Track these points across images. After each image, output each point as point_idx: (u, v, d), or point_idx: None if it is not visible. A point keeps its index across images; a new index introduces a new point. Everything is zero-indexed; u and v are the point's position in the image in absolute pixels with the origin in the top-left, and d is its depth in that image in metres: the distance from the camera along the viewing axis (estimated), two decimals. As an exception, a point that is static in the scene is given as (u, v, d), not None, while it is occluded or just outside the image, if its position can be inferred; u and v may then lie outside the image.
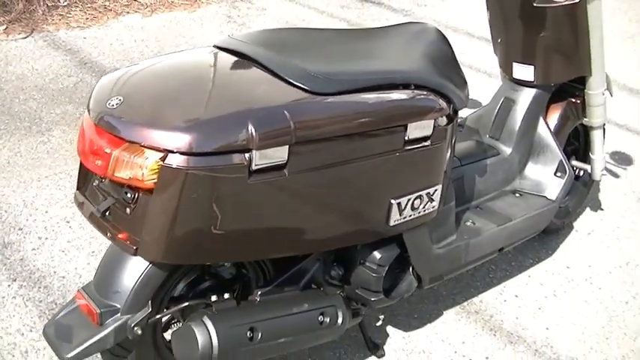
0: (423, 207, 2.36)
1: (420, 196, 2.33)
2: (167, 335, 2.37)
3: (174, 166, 1.86)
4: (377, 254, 2.37)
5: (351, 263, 2.39)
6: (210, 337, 2.03)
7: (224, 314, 2.11)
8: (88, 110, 2.04)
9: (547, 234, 3.39)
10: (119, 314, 2.08)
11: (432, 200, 2.38)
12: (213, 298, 2.15)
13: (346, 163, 2.10)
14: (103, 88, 2.07)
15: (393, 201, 2.26)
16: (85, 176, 2.19)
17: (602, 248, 3.44)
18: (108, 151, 1.93)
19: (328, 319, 2.28)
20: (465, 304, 3.02)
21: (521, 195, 3.00)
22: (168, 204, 1.89)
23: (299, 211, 2.08)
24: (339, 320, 2.30)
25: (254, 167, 1.91)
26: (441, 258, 2.57)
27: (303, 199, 2.07)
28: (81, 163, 2.16)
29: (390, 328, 2.85)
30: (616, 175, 3.97)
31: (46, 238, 3.18)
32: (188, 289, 2.29)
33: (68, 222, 3.30)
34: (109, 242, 2.10)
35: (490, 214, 2.85)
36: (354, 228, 2.24)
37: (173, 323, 2.45)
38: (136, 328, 2.08)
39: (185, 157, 1.86)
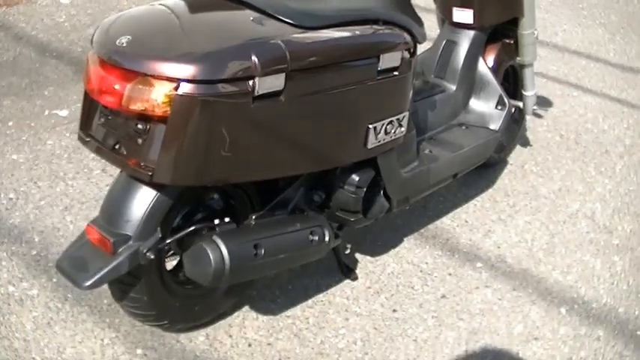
0: (394, 131, 2.64)
1: (391, 122, 2.61)
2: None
3: (186, 94, 2.06)
4: (355, 177, 2.62)
5: (331, 188, 2.64)
6: (222, 253, 2.24)
7: (229, 234, 2.33)
8: (95, 51, 2.21)
9: (486, 168, 3.72)
10: (131, 242, 2.27)
11: (400, 126, 2.66)
12: (216, 221, 2.37)
13: (331, 90, 2.35)
14: (107, 31, 2.24)
15: (370, 125, 2.53)
16: (87, 116, 2.35)
17: (535, 177, 3.81)
18: (119, 87, 2.12)
19: (317, 238, 2.52)
20: (422, 230, 3.32)
21: (467, 127, 3.32)
22: (181, 130, 2.09)
23: (292, 135, 2.32)
24: (326, 238, 2.55)
25: (257, 93, 2.14)
26: (407, 181, 2.85)
27: (296, 123, 2.31)
28: (84, 104, 2.34)
29: (358, 255, 3.11)
30: (539, 116, 4.36)
31: (17, 199, 3.30)
32: (184, 220, 2.49)
33: (36, 182, 3.42)
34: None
35: (443, 144, 3.15)
36: (338, 150, 2.50)
37: (168, 256, 2.65)
38: (148, 253, 2.28)
39: (196, 85, 2.06)
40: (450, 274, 3.06)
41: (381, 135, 2.58)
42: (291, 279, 2.91)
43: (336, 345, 2.65)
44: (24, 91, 4.19)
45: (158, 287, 2.43)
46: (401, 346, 2.67)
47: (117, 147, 2.23)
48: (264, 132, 2.23)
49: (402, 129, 2.67)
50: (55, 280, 2.82)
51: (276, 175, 2.39)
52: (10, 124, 3.87)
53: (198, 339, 2.62)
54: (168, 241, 2.33)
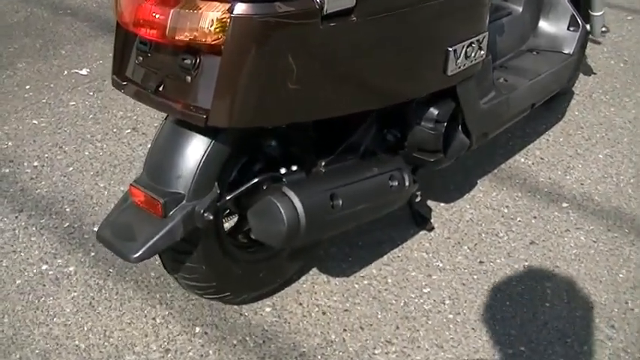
0: (474, 55, 2.19)
1: (471, 44, 2.16)
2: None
3: (243, 16, 1.62)
4: (434, 110, 2.18)
5: (407, 125, 2.20)
6: (295, 207, 1.81)
7: (300, 185, 1.90)
8: None
9: (552, 100, 3.26)
10: (185, 201, 1.84)
11: (480, 48, 2.21)
12: (282, 170, 1.94)
13: (407, 7, 1.91)
14: None
15: (450, 48, 2.08)
16: (122, 58, 1.91)
17: (607, 107, 3.35)
18: (161, 14, 1.68)
19: (396, 183, 2.09)
20: (496, 171, 2.88)
21: (538, 53, 2.86)
22: (240, 60, 1.65)
23: (366, 62, 1.88)
24: (407, 183, 2.12)
25: (326, 11, 1.70)
26: (487, 113, 2.41)
27: (370, 47, 1.86)
28: (117, 42, 1.89)
29: (431, 203, 2.68)
30: (598, 42, 3.88)
31: (43, 166, 2.87)
32: (242, 173, 2.06)
33: (61, 147, 2.99)
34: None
35: (517, 71, 2.70)
36: (416, 79, 2.06)
37: (225, 216, 2.22)
38: (206, 214, 1.85)
39: (255, 5, 1.62)
40: (534, 218, 2.62)
41: (461, 60, 2.13)
42: (361, 234, 2.48)
43: (422, 306, 2.23)
44: (39, 52, 3.74)
45: (217, 253, 2.01)
46: (495, 303, 2.24)
47: (161, 88, 1.80)
48: (335, 59, 1.79)
49: (482, 52, 2.22)
50: (93, 253, 2.41)
51: (348, 111, 1.94)
52: (28, 87, 3.44)
53: (265, 310, 2.20)
54: (228, 197, 1.89)
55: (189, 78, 1.73)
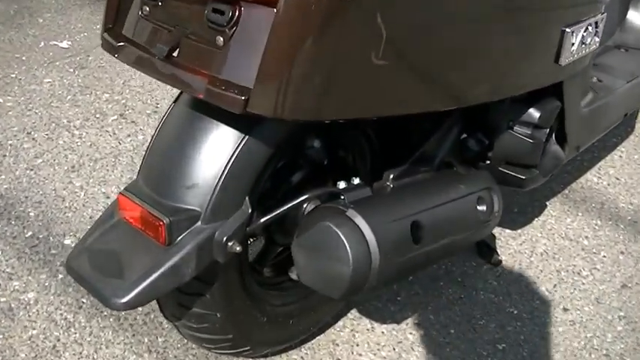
0: (590, 42, 1.59)
1: (589, 26, 1.55)
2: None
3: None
4: (535, 112, 1.57)
5: (496, 130, 1.59)
6: (366, 240, 1.19)
7: (369, 207, 1.27)
8: None
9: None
10: (200, 223, 1.22)
11: (596, 34, 1.61)
12: (341, 184, 1.31)
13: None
14: None
15: (567, 29, 1.47)
16: (117, 7, 1.28)
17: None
18: None
19: (484, 207, 1.48)
20: (567, 192, 2.28)
21: (627, 50, 2.26)
22: (305, 16, 1.02)
23: (470, 37, 1.27)
24: (496, 207, 1.50)
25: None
26: (585, 120, 1.81)
27: (477, 17, 1.25)
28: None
29: (494, 229, 2.06)
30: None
31: (4, 156, 2.22)
32: (274, 184, 1.43)
33: (29, 133, 2.34)
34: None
35: (609, 70, 2.10)
36: (523, 67, 1.45)
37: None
38: (230, 243, 1.22)
39: None
40: (622, 253, 2.03)
41: (577, 46, 1.53)
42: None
43: (498, 370, 1.62)
44: (12, 18, 3.09)
45: (239, 295, 1.37)
46: (593, 369, 1.64)
47: (176, 53, 1.17)
48: (435, 29, 1.17)
49: (597, 39, 1.61)
50: (61, 276, 1.77)
51: (438, 105, 1.32)
52: (-4, 59, 2.77)
53: (291, 367, 1.58)
54: (263, 220, 1.26)
55: (220, 39, 1.11)
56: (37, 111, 2.46)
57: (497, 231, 2.05)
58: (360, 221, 1.19)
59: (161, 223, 1.20)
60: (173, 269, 1.20)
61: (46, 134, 2.34)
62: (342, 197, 1.28)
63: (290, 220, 1.35)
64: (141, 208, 1.24)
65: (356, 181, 1.32)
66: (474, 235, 1.48)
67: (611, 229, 2.12)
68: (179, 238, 1.22)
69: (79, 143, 2.30)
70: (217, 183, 1.22)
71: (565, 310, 1.81)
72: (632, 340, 1.73)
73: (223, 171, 1.22)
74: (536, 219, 2.13)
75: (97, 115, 2.45)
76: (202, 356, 1.59)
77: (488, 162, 1.63)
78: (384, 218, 1.23)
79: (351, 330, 1.70)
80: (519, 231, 2.07)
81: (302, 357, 1.62)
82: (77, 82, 2.63)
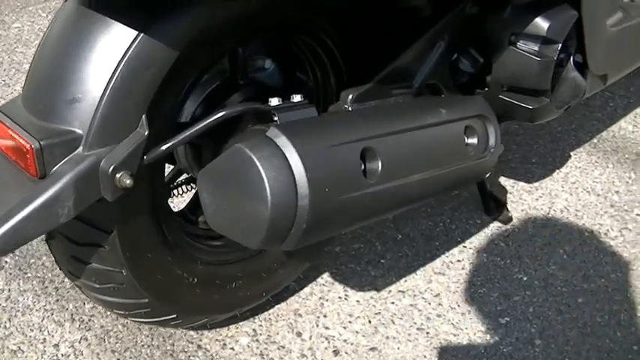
0: None
1: None
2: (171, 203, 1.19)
3: None
4: (543, 22, 1.20)
5: (494, 45, 1.23)
6: (291, 168, 0.85)
7: (305, 127, 0.93)
8: None
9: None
10: (80, 149, 0.88)
11: None
12: (274, 101, 0.96)
13: None
14: None
15: None
16: None
17: None
18: None
19: (475, 139, 1.12)
20: (595, 141, 1.90)
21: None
22: None
23: None
24: (492, 140, 1.15)
25: None
26: (612, 42, 1.42)
27: None
28: None
29: (505, 181, 1.71)
30: None
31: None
32: (207, 105, 1.10)
33: (-16, 79, 2.04)
34: None
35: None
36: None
37: (176, 186, 1.26)
38: (119, 175, 0.89)
39: None
40: (660, 211, 1.64)
41: None
42: (400, 219, 1.52)
43: (499, 348, 1.26)
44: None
45: (152, 247, 1.05)
46: (612, 345, 1.27)
47: None
48: None
49: None
50: None
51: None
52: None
53: (239, 342, 1.26)
54: (166, 146, 0.92)
55: None
56: (-1, 56, 2.17)
57: (509, 183, 1.69)
58: (284, 143, 0.85)
59: (28, 148, 0.88)
60: (43, 208, 0.88)
61: (4, 80, 2.04)
62: (273, 115, 0.94)
63: (210, 150, 1.02)
64: (10, 131, 0.91)
65: (296, 98, 0.98)
66: (464, 174, 1.12)
67: (646, 184, 1.74)
68: (54, 168, 0.89)
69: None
70: (102, 96, 0.89)
71: (586, 277, 1.45)
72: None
73: (110, 80, 0.89)
74: (557, 171, 1.76)
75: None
76: (134, 327, 1.28)
77: (486, 88, 1.27)
78: (320, 141, 0.88)
79: (320, 298, 1.36)
80: (536, 184, 1.71)
81: (255, 330, 1.29)
82: (47, 25, 2.32)
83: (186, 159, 1.15)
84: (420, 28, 1.18)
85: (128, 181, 0.91)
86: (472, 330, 1.31)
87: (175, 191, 1.24)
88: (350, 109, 1.05)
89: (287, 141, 0.85)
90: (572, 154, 1.83)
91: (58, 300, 1.34)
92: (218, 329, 1.29)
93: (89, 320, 1.30)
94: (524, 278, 1.44)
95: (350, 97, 1.06)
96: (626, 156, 1.84)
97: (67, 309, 1.32)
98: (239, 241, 0.90)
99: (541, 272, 1.45)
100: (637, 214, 1.63)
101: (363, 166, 0.93)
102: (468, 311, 1.35)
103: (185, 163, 1.16)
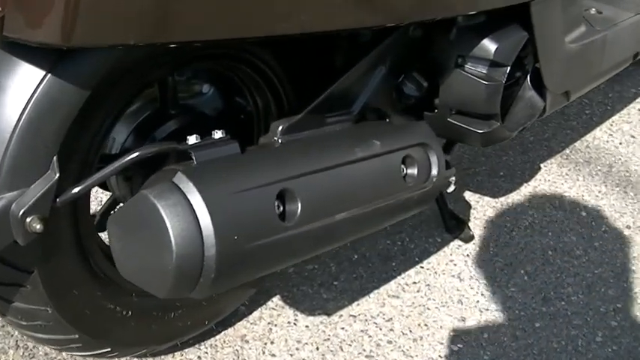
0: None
1: None
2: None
3: None
4: (490, 44, 1.16)
5: (441, 67, 1.19)
6: (196, 215, 0.81)
7: (217, 168, 0.89)
8: None
9: None
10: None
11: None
12: (192, 139, 0.93)
13: None
14: None
15: None
16: None
17: None
18: None
19: (415, 170, 1.08)
20: (568, 152, 1.85)
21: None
22: None
23: None
24: (434, 170, 1.11)
25: None
26: (573, 59, 1.38)
27: None
28: None
29: (469, 196, 1.67)
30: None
31: None
32: (138, 141, 1.07)
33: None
34: None
35: (614, 0, 1.65)
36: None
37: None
38: (29, 220, 0.86)
39: None
40: (628, 228, 1.62)
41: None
42: (356, 240, 1.49)
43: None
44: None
45: (79, 284, 1.03)
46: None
47: None
48: None
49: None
50: None
51: (335, 26, 0.92)
52: None
53: (181, 371, 1.22)
54: (77, 189, 0.89)
55: None
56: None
57: (474, 198, 1.65)
58: (190, 190, 0.82)
59: None
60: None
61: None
62: (191, 155, 0.91)
63: (141, 179, 0.99)
64: None
65: (217, 134, 0.94)
66: (402, 206, 1.08)
67: (618, 198, 1.70)
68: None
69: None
70: (10, 138, 0.86)
71: (545, 300, 1.41)
72: (628, 341, 1.32)
73: (17, 122, 0.86)
74: (525, 184, 1.72)
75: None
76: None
77: (432, 112, 1.23)
78: (231, 186, 0.85)
79: (269, 323, 1.33)
80: (502, 199, 1.67)
81: (199, 357, 1.26)
82: None
83: (119, 188, 1.12)
84: (362, 52, 1.14)
85: (38, 227, 0.87)
86: (422, 357, 1.28)
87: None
88: (280, 141, 1.01)
89: (193, 187, 0.82)
90: (542, 166, 1.79)
91: (3, 326, 1.32)
92: (162, 356, 1.26)
93: (33, 347, 1.28)
94: (482, 301, 1.40)
95: (280, 128, 1.02)
96: (598, 168, 1.79)
97: (12, 335, 1.30)
98: (148, 290, 0.87)
99: (499, 295, 1.42)
100: (603, 231, 1.59)
101: (281, 209, 0.89)
102: (420, 337, 1.32)
103: (118, 193, 1.13)
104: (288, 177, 0.90)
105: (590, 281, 1.46)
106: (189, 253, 0.81)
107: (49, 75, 0.86)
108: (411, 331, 1.33)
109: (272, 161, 0.92)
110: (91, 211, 1.10)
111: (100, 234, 1.14)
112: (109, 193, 1.19)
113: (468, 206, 1.59)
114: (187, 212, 0.81)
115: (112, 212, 1.20)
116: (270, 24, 0.84)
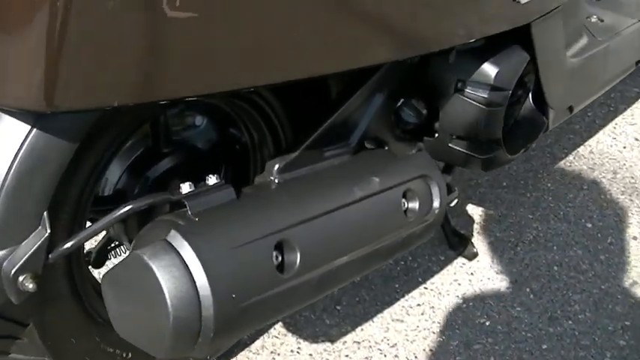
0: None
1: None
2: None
3: None
4: (490, 68, 1.13)
5: (440, 93, 1.16)
6: (192, 275, 0.79)
7: (214, 222, 0.86)
8: None
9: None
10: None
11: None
12: (185, 188, 0.90)
13: None
14: None
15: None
16: None
17: None
18: None
19: (416, 204, 1.05)
20: (571, 158, 1.82)
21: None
22: None
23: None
24: (435, 201, 1.08)
25: None
26: (575, 73, 1.35)
27: None
28: None
29: (472, 209, 1.64)
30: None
31: None
32: (132, 181, 1.04)
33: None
34: None
35: (614, 7, 1.62)
36: (469, 9, 1.01)
37: (112, 249, 1.20)
38: (22, 279, 0.84)
39: None
40: (635, 239, 1.58)
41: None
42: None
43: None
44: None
45: (79, 333, 1.01)
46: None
47: None
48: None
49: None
50: None
51: (332, 68, 0.90)
52: None
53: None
54: (69, 244, 0.86)
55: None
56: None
57: (477, 212, 1.63)
58: (184, 248, 0.79)
59: None
60: None
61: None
62: (185, 206, 0.88)
63: (135, 219, 0.97)
64: None
65: (211, 180, 0.91)
66: (402, 243, 1.06)
67: (623, 207, 1.67)
68: None
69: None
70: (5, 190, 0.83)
71: (552, 319, 1.39)
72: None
73: (4, 179, 0.83)
74: (528, 195, 1.69)
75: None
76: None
77: (432, 137, 1.20)
78: (227, 241, 0.82)
79: (272, 352, 1.31)
80: (505, 212, 1.64)
81: (201, 392, 1.24)
82: None
83: (113, 228, 1.09)
84: (360, 80, 1.11)
85: (31, 286, 0.85)
86: (428, 385, 1.26)
87: (108, 261, 1.19)
88: (276, 180, 0.98)
89: (188, 247, 0.79)
90: (545, 174, 1.76)
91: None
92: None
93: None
94: (487, 323, 1.38)
95: (276, 167, 0.99)
96: (603, 174, 1.77)
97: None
98: (146, 350, 0.85)
99: (505, 316, 1.39)
100: (609, 243, 1.57)
101: (278, 260, 0.87)
102: (425, 363, 1.30)
103: (113, 232, 1.11)
104: (286, 226, 0.87)
105: (597, 298, 1.43)
106: (186, 315, 0.78)
107: (35, 129, 0.83)
108: (416, 357, 1.31)
109: (269, 210, 0.89)
110: (86, 249, 1.09)
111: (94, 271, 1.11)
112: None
113: (471, 221, 1.57)
114: (183, 273, 0.78)
115: (108, 247, 1.19)
116: (256, 76, 0.82)
